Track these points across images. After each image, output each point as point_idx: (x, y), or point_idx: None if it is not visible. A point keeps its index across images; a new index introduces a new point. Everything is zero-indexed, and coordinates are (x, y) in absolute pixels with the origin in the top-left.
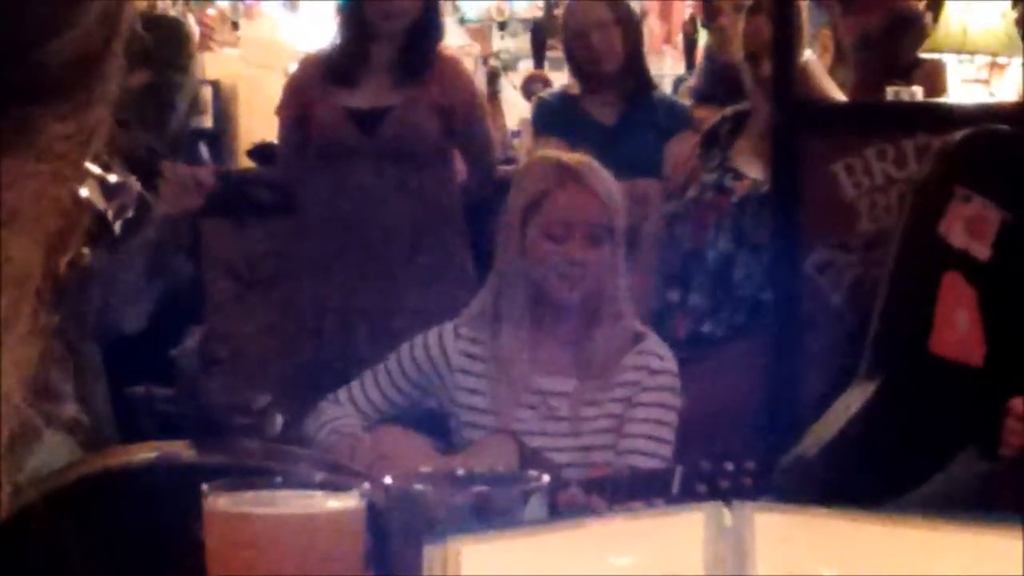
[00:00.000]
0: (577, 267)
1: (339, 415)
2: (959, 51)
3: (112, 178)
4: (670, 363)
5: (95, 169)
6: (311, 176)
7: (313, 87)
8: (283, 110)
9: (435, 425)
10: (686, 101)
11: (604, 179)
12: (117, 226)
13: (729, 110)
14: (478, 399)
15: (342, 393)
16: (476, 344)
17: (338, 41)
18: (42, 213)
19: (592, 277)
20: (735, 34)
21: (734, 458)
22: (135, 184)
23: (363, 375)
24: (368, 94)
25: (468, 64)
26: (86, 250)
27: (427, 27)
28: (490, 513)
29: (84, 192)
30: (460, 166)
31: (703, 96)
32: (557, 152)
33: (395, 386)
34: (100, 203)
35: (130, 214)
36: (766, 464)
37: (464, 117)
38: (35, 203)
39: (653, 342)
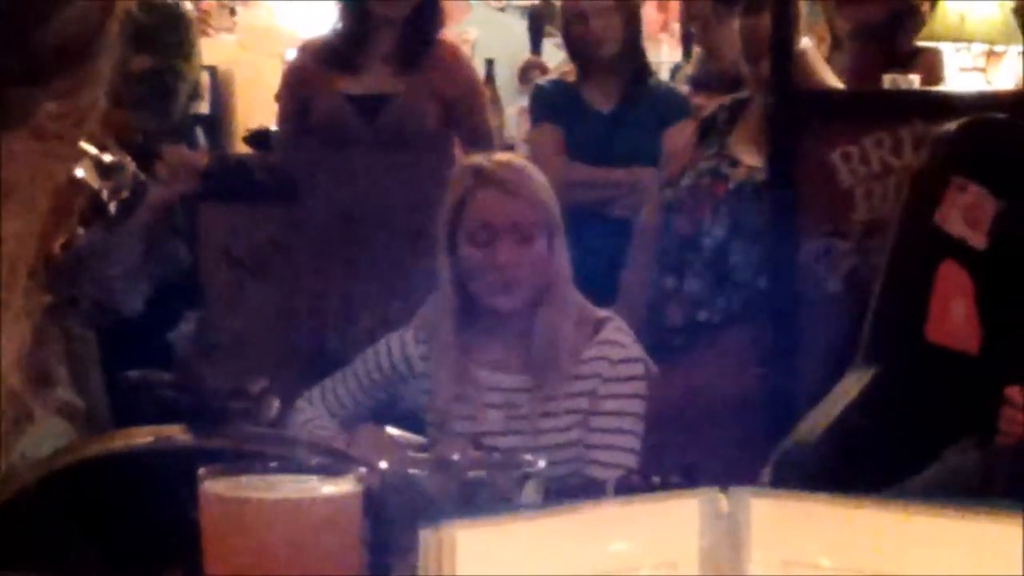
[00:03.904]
0: (507, 270)
1: (312, 417)
2: (956, 39)
3: (107, 158)
4: (633, 351)
5: (90, 148)
6: (310, 163)
7: (313, 74)
8: (282, 97)
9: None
10: (683, 89)
11: (526, 176)
12: (112, 206)
13: (727, 99)
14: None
15: (315, 393)
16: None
17: (338, 28)
18: (36, 192)
19: (526, 277)
20: (726, 31)
21: (661, 472)
22: (131, 164)
23: (334, 375)
24: (368, 81)
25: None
26: (81, 230)
27: (427, 14)
28: (485, 498)
29: (79, 172)
30: (460, 153)
31: (700, 84)
32: (480, 156)
33: (363, 390)
34: (95, 183)
35: (125, 194)
36: (692, 476)
37: (464, 104)
38: (29, 182)
39: (612, 330)
